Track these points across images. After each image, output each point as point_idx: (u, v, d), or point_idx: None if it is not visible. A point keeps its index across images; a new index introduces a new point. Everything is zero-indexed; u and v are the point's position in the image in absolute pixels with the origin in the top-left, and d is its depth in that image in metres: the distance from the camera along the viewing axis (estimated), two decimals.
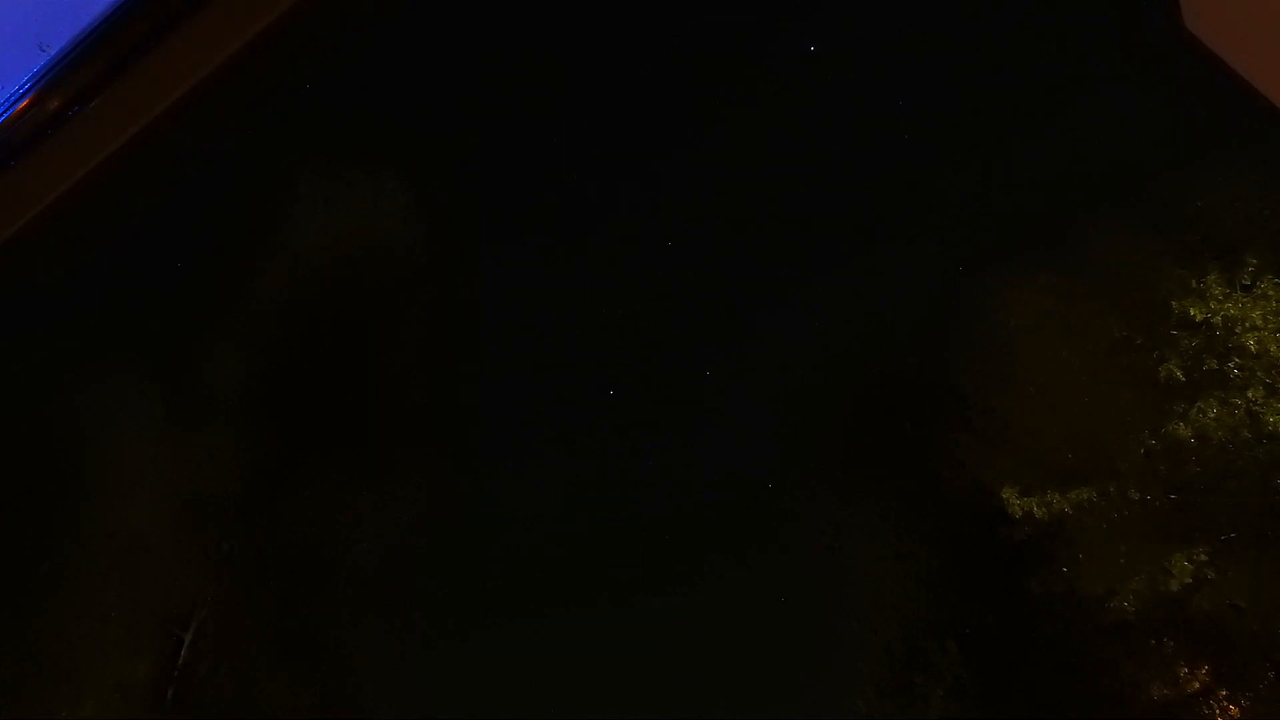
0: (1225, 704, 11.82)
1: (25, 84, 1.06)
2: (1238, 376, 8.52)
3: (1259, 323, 8.39)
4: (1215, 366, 8.63)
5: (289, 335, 12.63)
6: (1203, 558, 8.39)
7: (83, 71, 1.06)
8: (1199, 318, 8.80)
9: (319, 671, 11.15)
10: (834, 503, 17.32)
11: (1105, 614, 10.32)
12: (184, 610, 10.73)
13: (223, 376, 12.00)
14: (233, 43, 1.13)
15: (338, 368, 12.54)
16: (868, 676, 15.47)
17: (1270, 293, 8.45)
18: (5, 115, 1.07)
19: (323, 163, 14.62)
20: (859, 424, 17.75)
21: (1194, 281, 8.89)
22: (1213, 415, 8.39)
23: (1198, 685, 12.48)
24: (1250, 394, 8.23)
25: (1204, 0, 1.76)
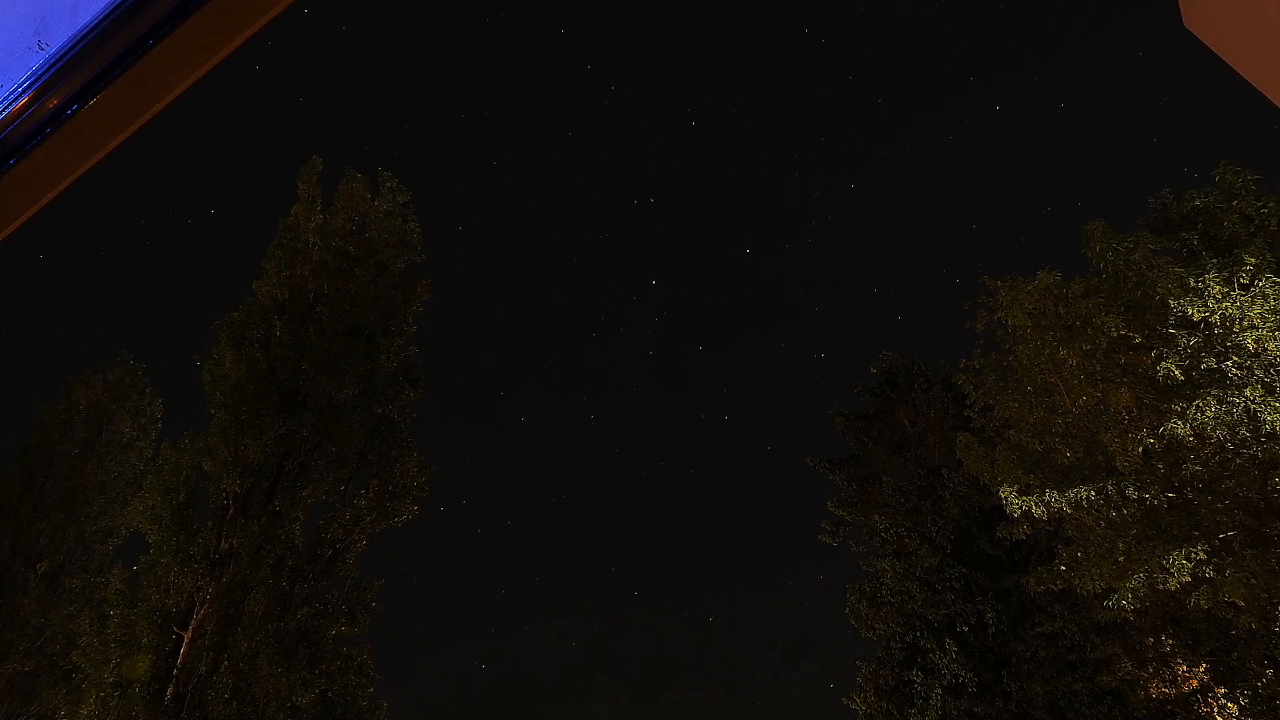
0: (1223, 702, 11.84)
1: (24, 82, 1.06)
2: (1236, 375, 8.53)
3: (1257, 322, 8.39)
4: (1213, 365, 8.63)
5: (289, 335, 12.62)
6: (1201, 556, 8.39)
7: (81, 70, 1.06)
8: (1197, 317, 8.80)
9: (319, 671, 11.15)
10: (834, 502, 17.35)
11: (1104, 612, 10.32)
12: (184, 610, 10.73)
13: (222, 376, 11.99)
14: (231, 42, 1.13)
15: (337, 367, 12.54)
16: (868, 676, 15.50)
17: (1268, 292, 8.44)
18: (4, 113, 1.07)
19: (323, 163, 14.65)
20: (859, 424, 17.79)
21: (1192, 280, 8.89)
22: (1211, 414, 8.40)
23: (1196, 683, 12.49)
24: (1248, 393, 8.23)
25: (1204, 0, 1.76)
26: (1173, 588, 8.76)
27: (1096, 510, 9.36)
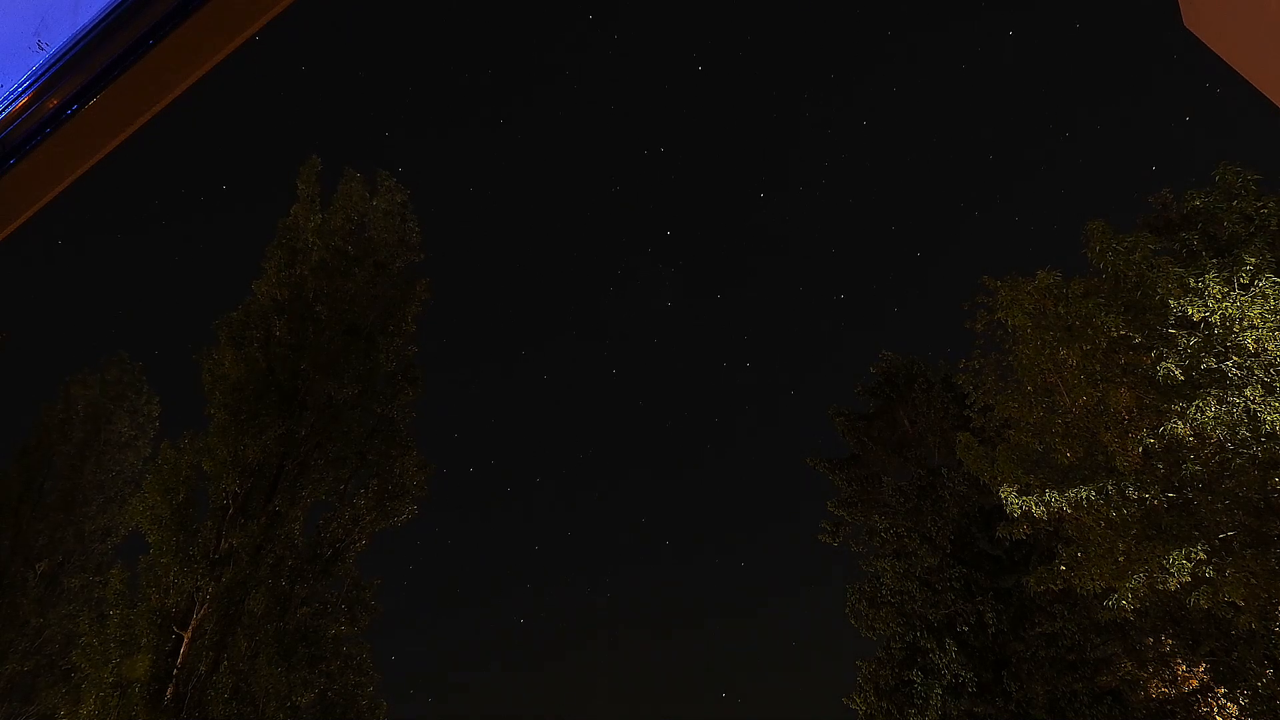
0: (1223, 702, 11.84)
1: (24, 82, 1.06)
2: (1236, 375, 8.53)
3: (1257, 321, 8.39)
4: (1213, 365, 8.63)
5: (288, 334, 12.62)
6: (1201, 556, 8.39)
7: (81, 70, 1.06)
8: (1197, 317, 8.80)
9: (318, 671, 11.15)
10: (834, 502, 17.36)
11: (1104, 612, 10.32)
12: (183, 609, 10.72)
13: (222, 376, 11.99)
14: (231, 42, 1.13)
15: (337, 367, 12.54)
16: (868, 676, 15.50)
17: (1268, 291, 8.44)
18: (4, 113, 1.07)
19: (323, 163, 14.65)
20: (859, 424, 17.80)
21: (1192, 280, 8.89)
22: (1211, 414, 8.40)
23: (1196, 683, 12.50)
24: (1248, 393, 8.23)
25: (1204, 0, 1.76)
26: (1173, 588, 8.76)
27: (1096, 510, 9.36)
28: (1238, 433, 8.37)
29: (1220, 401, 8.39)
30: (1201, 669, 12.18)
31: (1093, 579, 9.59)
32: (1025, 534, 10.54)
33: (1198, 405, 8.43)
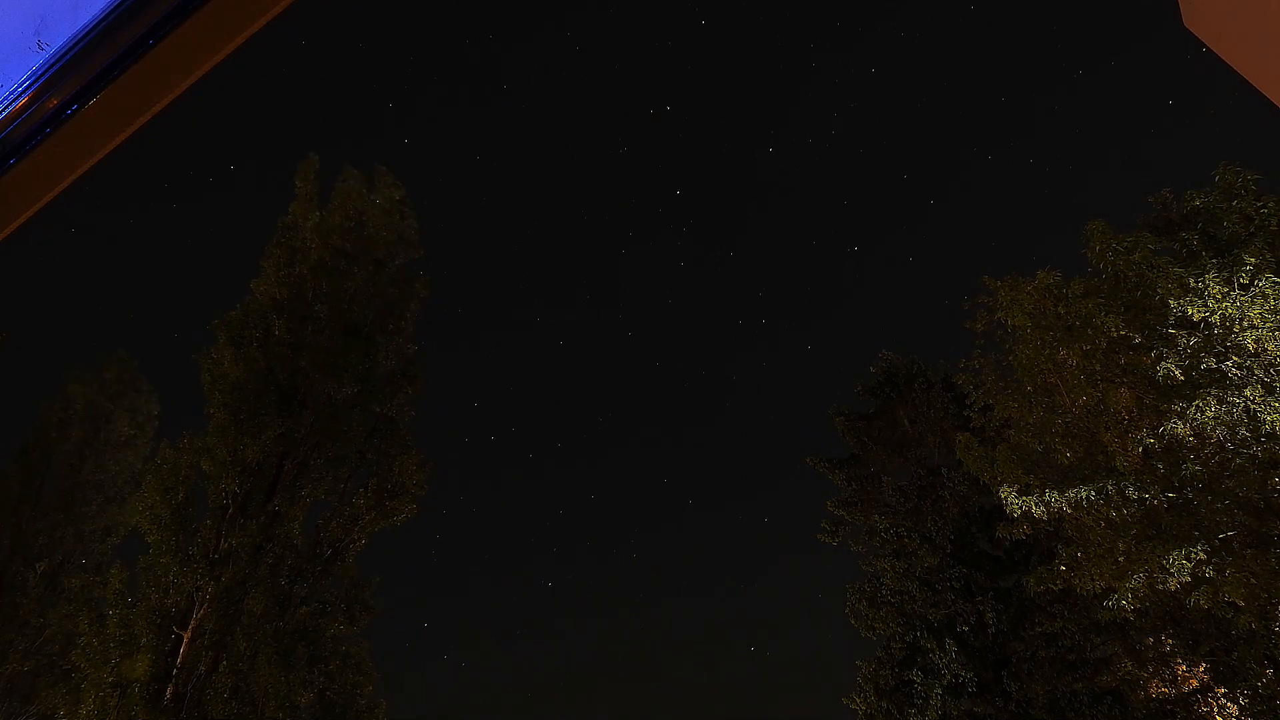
0: (1223, 702, 11.84)
1: (24, 82, 1.06)
2: (1236, 375, 8.53)
3: (1257, 321, 8.39)
4: (1213, 365, 8.63)
5: (287, 334, 12.61)
6: (1201, 556, 8.40)
7: (81, 70, 1.06)
8: (1197, 317, 8.80)
9: (318, 671, 11.15)
10: (834, 502, 17.36)
11: (1104, 612, 10.33)
12: (183, 609, 10.72)
13: (221, 376, 11.99)
14: (231, 42, 1.13)
15: (336, 366, 12.53)
16: (868, 676, 15.51)
17: (1268, 291, 8.44)
18: (4, 113, 1.07)
19: (322, 162, 14.64)
20: (859, 424, 17.80)
21: (1192, 280, 8.89)
22: (1211, 414, 8.40)
23: (1196, 683, 12.50)
24: (1248, 393, 8.23)
25: (1204, 0, 1.76)
26: (1173, 588, 8.77)
27: (1096, 510, 9.36)
28: (1238, 433, 8.38)
29: (1220, 401, 8.39)
30: (1201, 669, 12.18)
31: (1093, 579, 9.59)
32: (1025, 534, 10.54)
33: (1198, 405, 8.43)
